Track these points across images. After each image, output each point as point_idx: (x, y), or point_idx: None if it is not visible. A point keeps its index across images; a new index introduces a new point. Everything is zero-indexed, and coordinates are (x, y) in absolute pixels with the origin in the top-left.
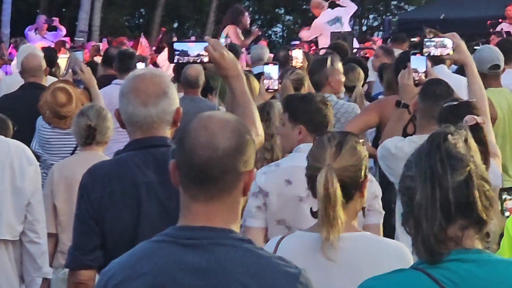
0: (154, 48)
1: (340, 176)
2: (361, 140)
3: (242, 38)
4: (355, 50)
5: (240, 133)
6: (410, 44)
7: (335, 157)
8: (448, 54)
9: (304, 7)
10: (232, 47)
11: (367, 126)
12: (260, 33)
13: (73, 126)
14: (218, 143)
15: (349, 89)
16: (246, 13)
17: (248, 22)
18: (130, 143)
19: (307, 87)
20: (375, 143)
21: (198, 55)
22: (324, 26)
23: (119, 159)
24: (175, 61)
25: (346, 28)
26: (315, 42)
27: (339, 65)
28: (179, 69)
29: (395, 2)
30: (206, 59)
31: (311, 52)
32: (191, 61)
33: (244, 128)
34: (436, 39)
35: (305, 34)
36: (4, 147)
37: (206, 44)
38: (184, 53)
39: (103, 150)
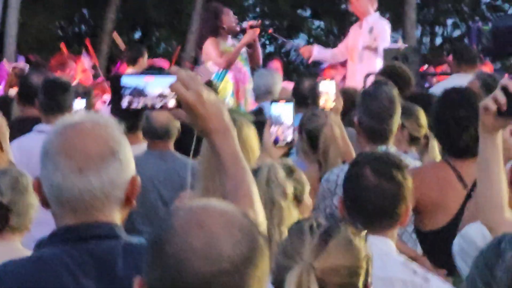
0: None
1: (323, 282)
2: (362, 233)
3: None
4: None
5: (251, 235)
6: (506, 66)
7: (317, 253)
8: None
9: (343, 6)
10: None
11: None
12: (258, 24)
13: None
14: (222, 250)
15: (413, 141)
16: (228, 11)
17: (234, 21)
18: (57, 232)
19: (343, 138)
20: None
21: (161, 96)
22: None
23: (40, 259)
24: (125, 105)
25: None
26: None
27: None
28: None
29: (486, 0)
30: (172, 103)
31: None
32: (149, 105)
33: (255, 227)
34: None
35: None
36: None
37: (172, 78)
38: (139, 93)
39: (21, 239)
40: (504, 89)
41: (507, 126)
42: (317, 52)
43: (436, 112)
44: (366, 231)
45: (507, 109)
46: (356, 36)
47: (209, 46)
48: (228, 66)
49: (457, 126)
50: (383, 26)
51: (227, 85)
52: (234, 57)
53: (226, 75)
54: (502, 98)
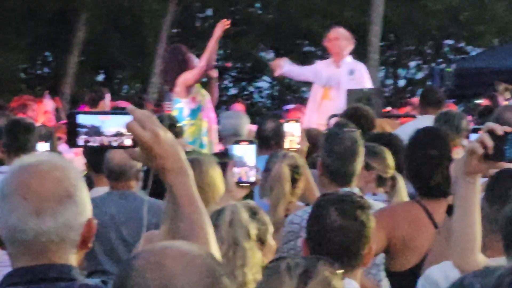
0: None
1: None
2: (338, 272)
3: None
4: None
5: (213, 276)
6: (470, 108)
7: None
8: None
9: (306, 48)
10: (170, 120)
11: None
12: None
13: None
14: None
15: (381, 183)
16: (189, 53)
17: (195, 59)
18: (13, 273)
19: (305, 177)
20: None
21: (117, 135)
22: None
23: None
24: (81, 143)
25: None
26: None
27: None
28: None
29: (450, 42)
30: (128, 142)
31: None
32: (105, 144)
33: (219, 268)
34: None
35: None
36: None
37: (128, 117)
38: (95, 131)
39: None
40: (490, 133)
41: (490, 169)
42: (287, 66)
43: (407, 152)
44: (342, 270)
45: (493, 153)
46: (333, 76)
47: (187, 73)
48: (209, 66)
49: (428, 165)
50: (363, 69)
51: (201, 123)
52: (211, 55)
53: (199, 113)
54: (489, 142)
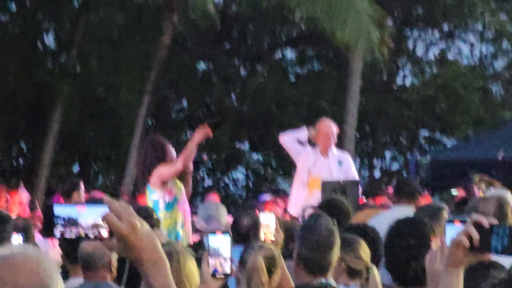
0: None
1: None
2: None
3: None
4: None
5: None
6: (445, 199)
7: None
8: None
9: None
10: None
11: None
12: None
13: None
14: None
15: (353, 274)
16: (166, 143)
17: (172, 150)
18: None
19: (281, 269)
20: None
21: (94, 226)
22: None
23: None
24: (57, 234)
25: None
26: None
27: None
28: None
29: (425, 133)
30: (105, 233)
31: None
32: (83, 235)
33: None
34: None
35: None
36: None
37: (105, 209)
38: (72, 222)
39: None
40: (476, 225)
41: (474, 260)
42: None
43: (386, 241)
44: None
45: (479, 245)
46: (322, 167)
47: (163, 167)
48: (186, 165)
49: (407, 255)
50: (350, 159)
51: (177, 215)
52: (189, 155)
53: (175, 206)
54: (476, 234)
